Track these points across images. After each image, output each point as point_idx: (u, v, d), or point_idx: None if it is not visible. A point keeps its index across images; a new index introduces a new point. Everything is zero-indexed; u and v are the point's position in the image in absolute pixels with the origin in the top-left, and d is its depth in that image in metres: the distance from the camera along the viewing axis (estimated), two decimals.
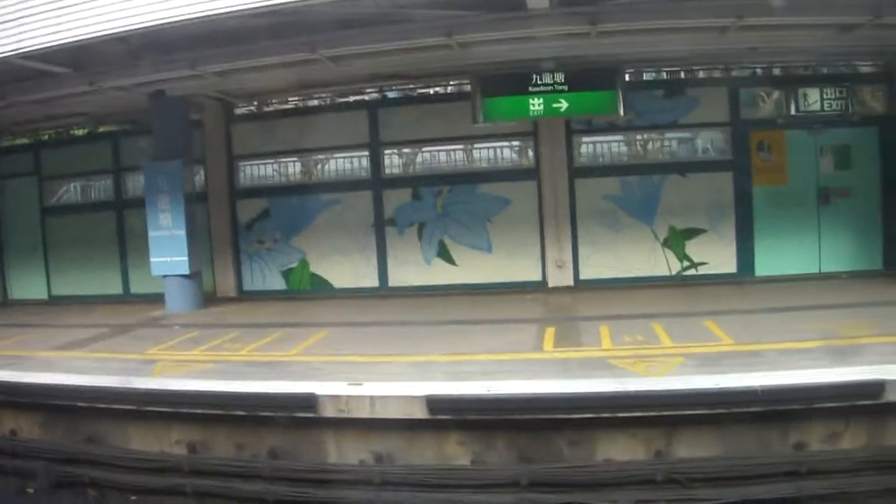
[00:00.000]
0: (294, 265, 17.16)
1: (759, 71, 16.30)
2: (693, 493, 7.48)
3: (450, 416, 8.20)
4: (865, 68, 16.09)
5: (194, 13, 10.32)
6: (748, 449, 8.01)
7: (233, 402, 8.71)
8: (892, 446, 7.90)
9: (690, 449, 8.06)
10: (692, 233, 15.82)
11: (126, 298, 17.86)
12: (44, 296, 19.07)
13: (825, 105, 15.38)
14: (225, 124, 17.20)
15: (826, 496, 7.48)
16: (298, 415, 8.46)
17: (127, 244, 18.06)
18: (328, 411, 8.35)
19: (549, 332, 11.44)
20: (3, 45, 11.27)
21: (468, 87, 15.37)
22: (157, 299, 15.79)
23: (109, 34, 10.89)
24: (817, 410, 7.89)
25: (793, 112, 15.46)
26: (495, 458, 8.27)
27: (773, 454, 7.92)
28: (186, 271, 15.20)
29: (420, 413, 8.14)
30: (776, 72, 16.17)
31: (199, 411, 8.81)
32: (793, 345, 9.57)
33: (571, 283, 15.90)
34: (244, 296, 17.26)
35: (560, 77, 14.50)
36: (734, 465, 7.68)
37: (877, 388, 7.77)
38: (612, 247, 15.93)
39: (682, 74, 16.39)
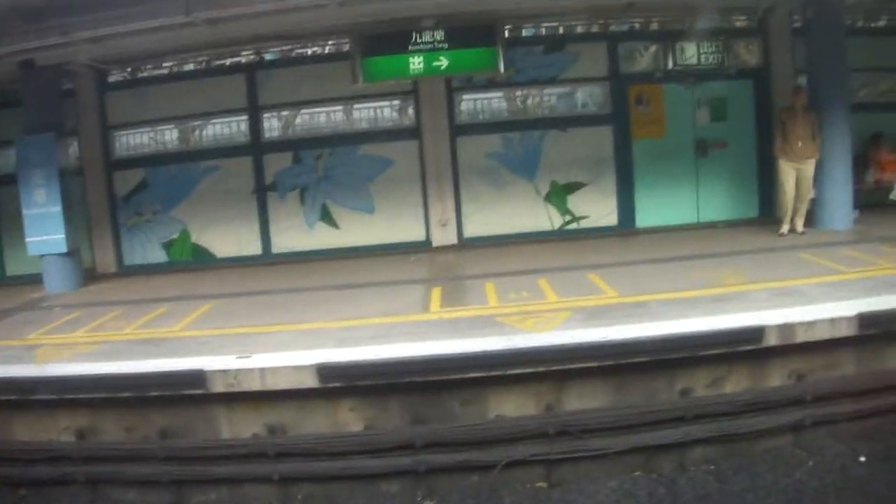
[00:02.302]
0: (175, 236, 16.66)
1: (637, 26, 16.43)
2: (585, 444, 7.63)
3: (341, 384, 8.11)
4: (740, 23, 16.36)
5: None
6: (637, 398, 8.16)
7: (119, 383, 8.39)
8: (771, 388, 8.24)
9: (581, 401, 8.20)
10: (573, 187, 16.04)
11: (2, 281, 17.01)
12: None
13: (701, 59, 15.63)
14: (98, 93, 16.50)
15: (711, 439, 7.75)
16: (187, 392, 8.23)
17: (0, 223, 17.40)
18: (217, 386, 8.14)
19: (436, 292, 11.43)
20: None
21: (347, 47, 15.14)
22: (35, 280, 15.09)
23: None
24: (701, 358, 8.16)
25: (670, 66, 15.71)
26: (389, 422, 8.22)
27: (661, 402, 8.11)
28: (64, 249, 14.54)
29: (311, 382, 8.03)
30: (654, 27, 16.32)
31: (85, 396, 8.48)
32: (675, 295, 9.82)
33: (456, 241, 15.95)
34: (125, 271, 16.66)
35: (440, 35, 14.38)
36: (623, 415, 7.81)
37: (757, 333, 8.11)
38: (495, 204, 16.02)
39: (561, 30, 16.38)
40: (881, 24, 16.77)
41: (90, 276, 15.86)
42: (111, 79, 16.63)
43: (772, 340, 8.12)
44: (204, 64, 16.51)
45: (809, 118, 13.48)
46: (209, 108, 16.41)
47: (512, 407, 8.21)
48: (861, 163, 15.36)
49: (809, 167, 13.61)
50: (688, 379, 8.27)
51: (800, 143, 13.43)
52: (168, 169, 16.55)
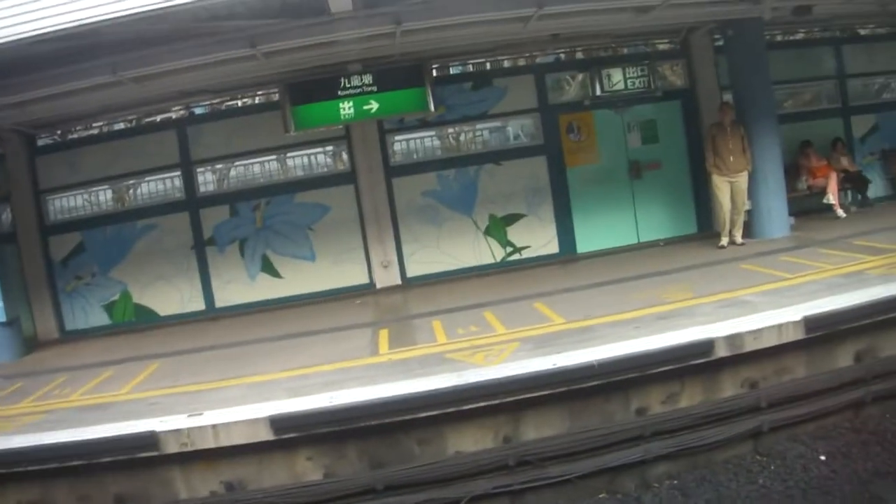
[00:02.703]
0: (115, 298, 16.28)
1: (562, 56, 16.69)
2: (546, 472, 7.53)
3: (296, 434, 8.01)
4: (664, 46, 16.78)
5: None
6: (593, 421, 8.15)
7: (68, 452, 8.12)
8: (726, 398, 8.31)
9: (538, 430, 8.15)
10: (512, 219, 16.19)
11: None
12: None
13: (629, 83, 15.96)
14: (28, 157, 16.17)
15: (672, 454, 7.74)
16: (141, 455, 8.05)
17: None
18: (171, 447, 7.91)
19: (383, 334, 11.36)
20: None
21: (277, 97, 15.19)
22: None
23: None
24: (654, 375, 8.21)
25: (598, 93, 15.96)
26: (348, 469, 8.09)
27: (618, 422, 8.11)
28: (3, 319, 14.05)
29: (265, 435, 7.87)
30: (579, 55, 16.64)
31: (34, 468, 8.23)
32: (621, 316, 9.91)
33: (399, 281, 15.93)
34: (67, 336, 16.25)
35: (369, 79, 14.54)
36: (582, 439, 7.77)
37: (706, 346, 8.21)
38: (436, 241, 16.08)
39: (489, 65, 16.60)
40: (799, 37, 17.30)
41: (32, 344, 15.39)
42: (41, 142, 16.38)
43: (722, 352, 8.22)
44: (134, 122, 16.37)
45: (738, 132, 13.84)
46: (142, 166, 16.16)
47: (470, 442, 8.15)
48: (793, 171, 15.87)
49: (742, 180, 13.92)
50: (642, 397, 8.32)
51: (731, 158, 13.74)
52: (104, 230, 16.23)
